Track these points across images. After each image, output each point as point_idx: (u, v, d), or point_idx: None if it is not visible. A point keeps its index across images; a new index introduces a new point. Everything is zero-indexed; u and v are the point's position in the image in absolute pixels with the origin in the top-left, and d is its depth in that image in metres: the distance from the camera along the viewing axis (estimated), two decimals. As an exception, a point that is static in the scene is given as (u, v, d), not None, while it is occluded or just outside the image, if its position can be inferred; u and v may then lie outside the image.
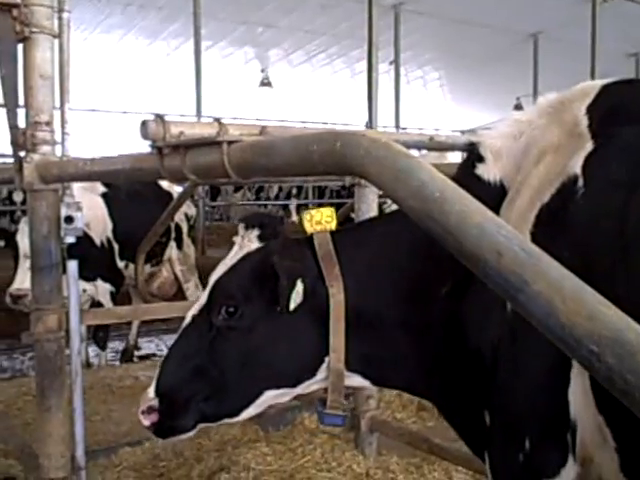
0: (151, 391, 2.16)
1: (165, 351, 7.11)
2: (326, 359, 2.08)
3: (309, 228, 2.09)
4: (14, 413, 5.27)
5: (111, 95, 18.91)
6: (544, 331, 0.94)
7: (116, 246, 6.80)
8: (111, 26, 16.38)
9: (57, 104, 3.23)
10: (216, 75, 17.78)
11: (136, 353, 7.92)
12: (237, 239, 2.22)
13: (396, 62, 17.61)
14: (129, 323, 7.57)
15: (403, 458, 4.30)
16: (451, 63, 21.18)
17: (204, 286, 7.20)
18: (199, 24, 14.20)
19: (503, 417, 1.79)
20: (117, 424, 5.10)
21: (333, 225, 2.11)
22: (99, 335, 6.88)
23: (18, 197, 14.38)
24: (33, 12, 3.01)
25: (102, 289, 6.62)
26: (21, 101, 3.14)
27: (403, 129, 18.54)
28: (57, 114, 3.18)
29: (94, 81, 17.03)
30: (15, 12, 3.01)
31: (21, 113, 3.14)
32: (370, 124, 11.63)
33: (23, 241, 5.63)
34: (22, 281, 5.62)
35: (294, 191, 19.84)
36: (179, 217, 7.50)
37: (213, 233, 13.92)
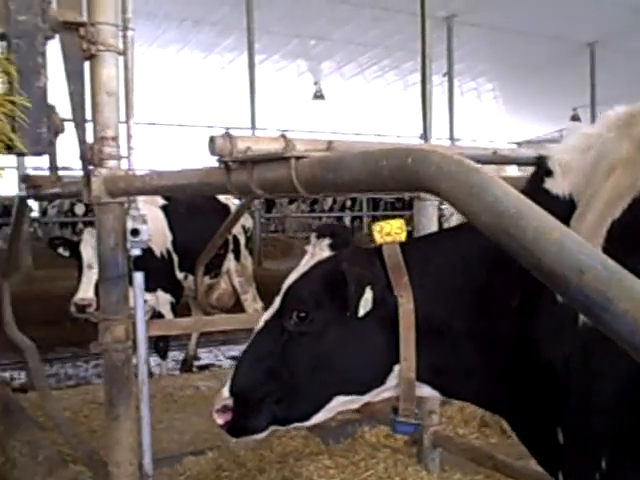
0: (226, 391, 2.24)
1: (223, 361, 7.20)
2: (395, 368, 2.11)
3: (379, 239, 2.13)
4: (81, 420, 5.39)
5: (166, 108, 19.30)
6: (630, 350, 0.93)
7: (176, 258, 6.93)
8: (167, 41, 16.75)
9: (122, 119, 3.33)
10: (269, 88, 17.97)
11: (195, 363, 8.04)
12: (309, 248, 2.29)
13: (449, 74, 17.53)
14: (189, 334, 7.69)
15: (467, 475, 4.24)
16: (505, 74, 20.96)
17: (261, 297, 7.22)
18: (253, 38, 14.40)
19: (578, 435, 1.76)
20: (180, 433, 5.18)
21: (403, 237, 2.15)
22: (160, 345, 7.01)
23: (80, 209, 14.82)
24: (99, 31, 3.12)
25: (163, 300, 6.74)
26: (88, 116, 3.25)
27: (457, 140, 18.41)
28: (122, 128, 3.29)
29: (150, 95, 17.43)
30: (82, 31, 3.11)
31: (88, 128, 3.25)
32: (424, 136, 11.61)
33: (86, 251, 5.80)
34: (86, 291, 5.75)
35: (348, 203, 19.89)
36: (237, 229, 7.59)
37: (268, 245, 14.05)
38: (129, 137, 3.24)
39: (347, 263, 2.07)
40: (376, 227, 2.14)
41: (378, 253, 2.14)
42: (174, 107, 19.40)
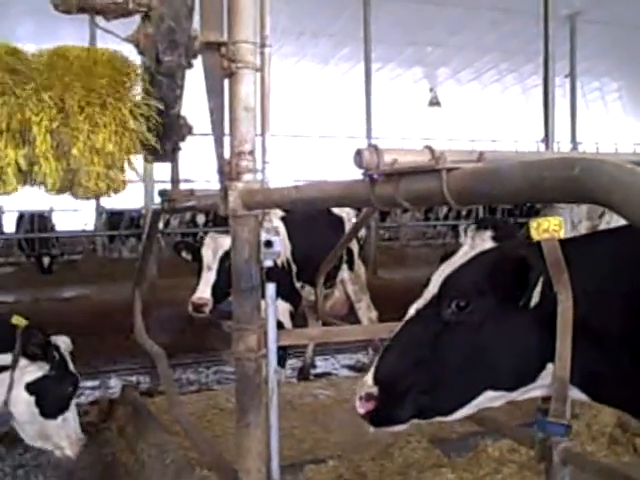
0: (370, 379, 2.21)
1: (339, 370, 7.20)
2: (548, 366, 2.08)
3: (536, 236, 2.09)
4: (204, 425, 5.53)
5: (284, 118, 19.69)
6: None
7: (294, 268, 7.01)
8: (286, 54, 17.10)
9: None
10: (385, 96, 17.99)
11: (312, 371, 8.10)
12: (466, 240, 2.28)
13: (572, 75, 16.91)
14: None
15: (599, 496, 4.02)
16: (631, 73, 19.99)
17: (376, 306, 7.17)
18: (369, 48, 14.45)
19: None
20: (299, 441, 5.21)
21: (561, 234, 2.10)
22: (279, 353, 7.08)
23: (201, 219, 15.40)
24: (239, 49, 3.21)
25: (282, 309, 6.82)
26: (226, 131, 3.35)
27: (579, 144, 17.73)
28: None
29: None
30: (223, 50, 3.22)
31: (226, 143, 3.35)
32: (546, 139, 11.23)
33: (207, 254, 6.02)
34: (203, 291, 5.93)
35: (464, 212, 19.53)
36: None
37: (383, 253, 14.00)
38: (264, 151, 3.31)
39: (526, 251, 2.05)
40: (533, 224, 2.10)
41: (537, 249, 2.10)
42: (291, 117, 19.77)
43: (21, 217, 16.41)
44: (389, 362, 2.22)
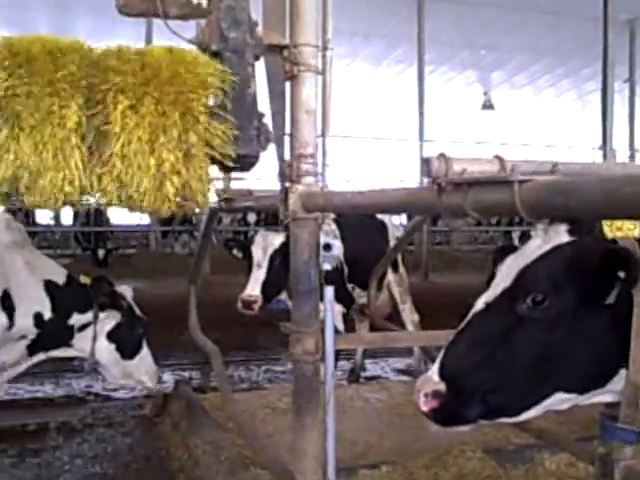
0: (435, 375, 2.11)
1: (389, 374, 7.13)
2: (621, 371, 2.03)
3: (609, 233, 2.08)
4: (256, 424, 5.57)
5: (336, 119, 19.71)
6: None
7: (346, 269, 7.03)
8: (338, 55, 17.08)
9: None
10: (437, 99, 17.87)
11: (362, 374, 8.09)
12: (537, 233, 2.20)
13: (630, 80, 16.54)
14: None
15: (665, 520, 3.92)
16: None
17: (427, 310, 7.09)
18: (423, 50, 14.38)
19: None
20: (352, 444, 5.19)
21: (636, 232, 2.08)
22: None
23: (252, 218, 15.56)
24: (301, 52, 3.24)
25: (336, 310, 6.82)
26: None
27: (636, 151, 17.35)
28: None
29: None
30: (285, 53, 3.25)
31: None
32: (604, 147, 11.01)
33: (257, 252, 6.08)
34: (253, 288, 5.98)
35: (517, 218, 19.26)
36: (393, 241, 7.60)
37: (434, 257, 13.91)
38: (324, 154, 3.33)
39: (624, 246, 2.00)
40: (606, 222, 2.07)
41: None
42: (344, 119, 19.78)
43: (77, 210, 16.85)
44: (457, 357, 2.11)
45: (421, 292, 8.03)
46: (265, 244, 6.14)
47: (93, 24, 14.98)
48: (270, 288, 6.03)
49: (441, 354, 2.16)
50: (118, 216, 16.84)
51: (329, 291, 3.36)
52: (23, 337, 4.49)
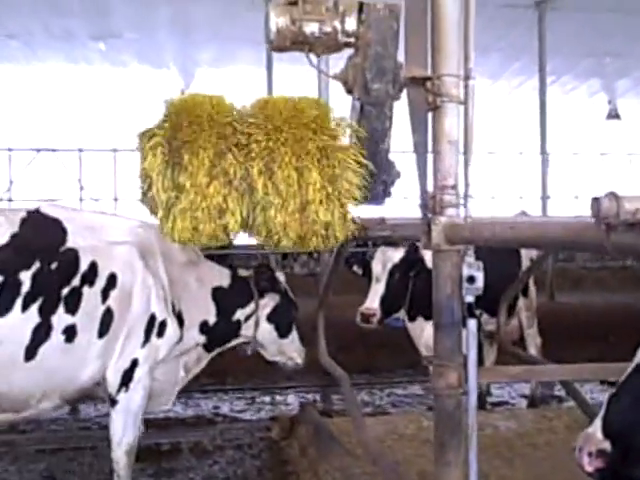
0: (599, 432, 2.00)
1: (517, 399, 6.88)
2: None
3: None
4: (384, 451, 5.52)
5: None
6: None
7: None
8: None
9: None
10: (558, 110, 17.29)
11: (488, 400, 7.88)
12: None
13: None
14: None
15: None
16: None
17: (555, 332, 6.75)
18: (544, 61, 14.01)
19: None
20: (484, 475, 5.03)
21: None
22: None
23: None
24: (444, 82, 3.21)
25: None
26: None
27: None
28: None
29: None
30: (428, 84, 3.22)
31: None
32: None
33: (376, 267, 6.23)
34: (372, 301, 6.11)
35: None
36: (526, 263, 7.35)
37: (558, 276, 13.40)
38: (467, 185, 3.27)
39: None
40: None
41: None
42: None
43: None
44: (623, 412, 1.98)
45: (549, 314, 7.73)
46: (384, 259, 6.25)
47: (217, 50, 15.58)
48: (389, 303, 6.15)
49: (603, 409, 2.05)
50: (240, 238, 17.26)
51: (471, 324, 3.27)
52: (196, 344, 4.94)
